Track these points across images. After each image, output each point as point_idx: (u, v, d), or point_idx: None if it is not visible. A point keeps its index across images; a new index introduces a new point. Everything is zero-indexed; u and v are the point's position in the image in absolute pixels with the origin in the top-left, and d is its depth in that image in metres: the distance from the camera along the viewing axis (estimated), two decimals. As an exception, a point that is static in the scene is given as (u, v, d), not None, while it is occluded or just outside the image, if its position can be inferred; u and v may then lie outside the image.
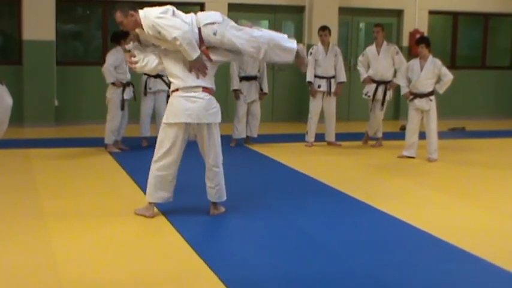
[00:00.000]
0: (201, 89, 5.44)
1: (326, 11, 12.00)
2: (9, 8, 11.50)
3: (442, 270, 4.46)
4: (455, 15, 13.61)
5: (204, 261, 4.50)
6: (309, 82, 9.57)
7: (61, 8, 11.26)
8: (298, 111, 12.22)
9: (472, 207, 6.33)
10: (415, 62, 8.69)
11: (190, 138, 5.69)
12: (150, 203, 5.63)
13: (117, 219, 5.56)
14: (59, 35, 11.40)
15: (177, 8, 5.44)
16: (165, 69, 5.60)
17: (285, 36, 5.58)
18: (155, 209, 5.67)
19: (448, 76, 8.52)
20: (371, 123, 9.81)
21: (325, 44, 9.59)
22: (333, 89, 9.60)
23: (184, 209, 5.78)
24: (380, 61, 9.62)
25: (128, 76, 8.64)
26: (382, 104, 9.62)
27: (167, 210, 5.70)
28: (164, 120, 5.55)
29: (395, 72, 9.50)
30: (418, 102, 8.63)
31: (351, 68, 12.42)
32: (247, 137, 9.61)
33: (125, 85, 8.65)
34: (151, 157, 5.59)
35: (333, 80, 9.60)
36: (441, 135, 9.02)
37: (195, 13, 5.50)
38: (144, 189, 5.80)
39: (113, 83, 8.57)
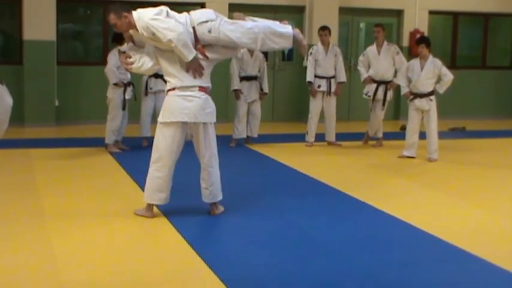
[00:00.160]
0: (197, 88, 5.42)
1: (326, 11, 12.01)
2: (10, 8, 11.50)
3: (442, 270, 4.46)
4: (455, 15, 13.61)
5: (204, 261, 4.50)
6: (309, 82, 9.58)
7: (62, 8, 11.27)
8: (299, 111, 12.22)
9: (472, 207, 6.33)
10: (415, 62, 8.69)
11: (188, 138, 5.69)
12: (149, 204, 5.63)
13: (117, 219, 5.56)
14: (60, 35, 11.41)
15: (178, 8, 5.44)
16: (161, 68, 5.59)
17: (277, 22, 5.55)
18: (155, 209, 5.67)
19: (448, 76, 8.52)
20: (371, 123, 9.81)
21: (325, 44, 9.59)
22: (333, 89, 9.60)
23: (184, 209, 5.79)
24: (380, 61, 9.62)
25: (129, 76, 8.65)
26: (383, 104, 9.63)
27: (167, 210, 5.70)
28: (160, 119, 5.49)
29: (395, 72, 9.50)
30: (418, 102, 8.63)
31: (351, 68, 12.43)
32: (247, 137, 9.61)
33: (125, 85, 8.66)
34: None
35: (333, 80, 9.60)
36: (441, 135, 9.02)
37: (188, 12, 5.49)
38: (144, 189, 5.81)
39: (116, 84, 8.58)
